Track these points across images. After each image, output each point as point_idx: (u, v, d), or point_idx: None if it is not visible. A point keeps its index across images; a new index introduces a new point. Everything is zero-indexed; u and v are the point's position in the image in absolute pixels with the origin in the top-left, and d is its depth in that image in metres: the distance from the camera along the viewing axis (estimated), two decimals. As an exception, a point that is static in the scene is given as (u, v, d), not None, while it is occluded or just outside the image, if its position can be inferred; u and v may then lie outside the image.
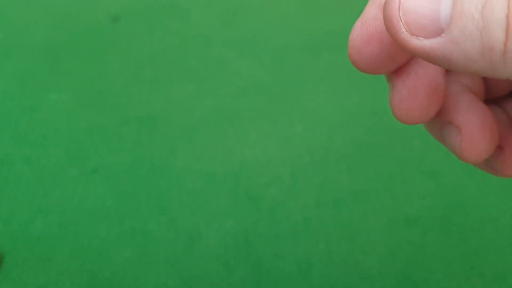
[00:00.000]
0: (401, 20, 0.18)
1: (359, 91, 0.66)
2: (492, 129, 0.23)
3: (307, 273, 0.49)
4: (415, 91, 0.23)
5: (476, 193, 0.55)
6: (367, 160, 0.58)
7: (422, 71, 0.23)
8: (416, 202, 0.54)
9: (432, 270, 0.49)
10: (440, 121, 0.24)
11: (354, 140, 0.60)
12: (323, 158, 0.58)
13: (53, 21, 0.79)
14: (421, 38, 0.18)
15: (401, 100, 0.23)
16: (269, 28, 0.76)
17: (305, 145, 0.59)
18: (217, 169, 0.58)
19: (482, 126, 0.23)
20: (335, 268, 0.50)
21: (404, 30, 0.18)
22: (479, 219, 0.52)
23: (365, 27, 0.20)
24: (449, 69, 0.22)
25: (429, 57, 0.18)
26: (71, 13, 0.80)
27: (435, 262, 0.49)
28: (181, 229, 0.51)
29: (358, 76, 0.73)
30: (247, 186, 0.55)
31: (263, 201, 0.54)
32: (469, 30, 0.17)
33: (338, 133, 0.60)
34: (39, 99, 0.66)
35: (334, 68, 0.70)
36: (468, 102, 0.23)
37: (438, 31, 0.18)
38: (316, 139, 0.60)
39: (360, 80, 0.68)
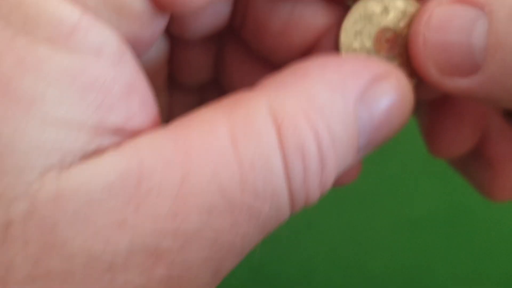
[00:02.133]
0: (429, 60, 0.15)
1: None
2: None
3: (309, 276, 0.48)
4: (460, 121, 0.19)
5: (482, 193, 0.54)
6: (370, 160, 0.57)
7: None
8: (420, 203, 0.54)
9: (437, 272, 0.48)
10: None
11: (357, 139, 0.59)
12: (325, 158, 0.57)
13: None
14: (455, 78, 0.15)
15: (442, 133, 0.20)
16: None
17: (307, 144, 0.58)
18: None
19: None
20: (338, 271, 0.49)
21: (433, 71, 0.15)
22: (485, 220, 0.52)
23: None
24: (494, 107, 0.19)
25: (468, 97, 0.16)
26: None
27: (440, 264, 0.49)
28: (180, 231, 0.51)
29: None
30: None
31: (264, 202, 0.53)
32: (510, 63, 0.14)
33: (340, 132, 0.60)
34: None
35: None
36: (499, 127, 0.20)
37: (473, 68, 0.15)
38: (318, 139, 0.59)
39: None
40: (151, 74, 0.20)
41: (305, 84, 0.15)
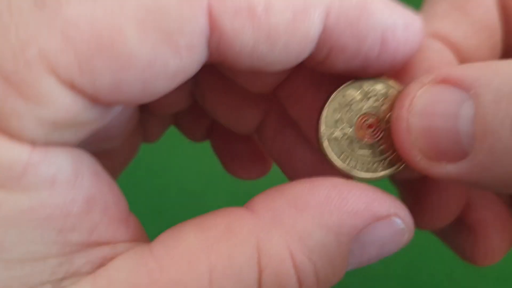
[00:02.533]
0: (414, 146, 0.15)
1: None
2: (509, 227, 0.19)
3: (308, 275, 0.48)
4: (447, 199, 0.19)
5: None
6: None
7: None
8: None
9: (435, 272, 0.48)
10: None
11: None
12: (324, 158, 0.57)
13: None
14: (444, 163, 0.14)
15: (426, 208, 0.19)
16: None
17: (306, 144, 0.58)
18: (217, 169, 0.57)
19: (501, 224, 0.19)
20: (337, 270, 0.49)
21: (420, 158, 0.15)
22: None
23: None
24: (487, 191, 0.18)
25: (457, 183, 0.15)
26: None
27: (438, 263, 0.48)
28: (180, 231, 0.50)
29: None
30: (248, 186, 0.54)
31: (263, 202, 0.53)
32: (499, 152, 0.13)
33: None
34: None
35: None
36: (481, 195, 0.19)
37: (461, 154, 0.14)
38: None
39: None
40: (123, 122, 0.20)
41: (302, 221, 0.15)
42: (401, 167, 0.18)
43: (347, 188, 0.15)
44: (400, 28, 0.15)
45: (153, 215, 0.54)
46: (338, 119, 0.17)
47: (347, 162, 0.18)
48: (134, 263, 0.15)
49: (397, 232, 0.16)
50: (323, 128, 0.18)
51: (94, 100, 0.14)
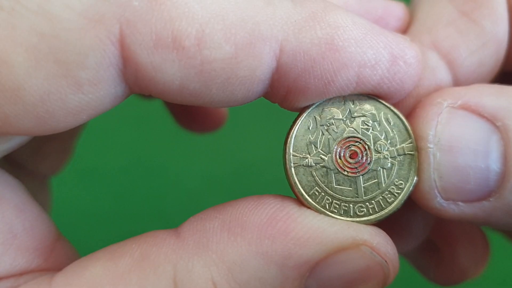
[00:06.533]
0: (436, 186, 0.13)
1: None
2: (478, 244, 0.18)
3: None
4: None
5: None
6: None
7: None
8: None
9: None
10: None
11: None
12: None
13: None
14: (460, 203, 0.13)
15: (397, 230, 0.18)
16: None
17: (306, 144, 0.58)
18: (217, 169, 0.57)
19: (469, 241, 0.18)
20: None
21: (439, 198, 0.13)
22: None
23: None
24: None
25: (463, 221, 0.13)
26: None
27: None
28: (180, 231, 0.50)
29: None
30: (247, 186, 0.54)
31: (263, 202, 0.53)
32: None
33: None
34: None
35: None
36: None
37: (486, 194, 0.12)
38: (317, 138, 0.59)
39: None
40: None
41: (233, 248, 0.12)
42: (394, 210, 0.14)
43: (300, 209, 0.13)
44: (385, 62, 0.13)
45: (153, 215, 0.54)
46: (312, 142, 0.14)
47: (318, 199, 0.14)
48: None
49: (370, 266, 0.13)
50: (291, 150, 0.14)
51: None
